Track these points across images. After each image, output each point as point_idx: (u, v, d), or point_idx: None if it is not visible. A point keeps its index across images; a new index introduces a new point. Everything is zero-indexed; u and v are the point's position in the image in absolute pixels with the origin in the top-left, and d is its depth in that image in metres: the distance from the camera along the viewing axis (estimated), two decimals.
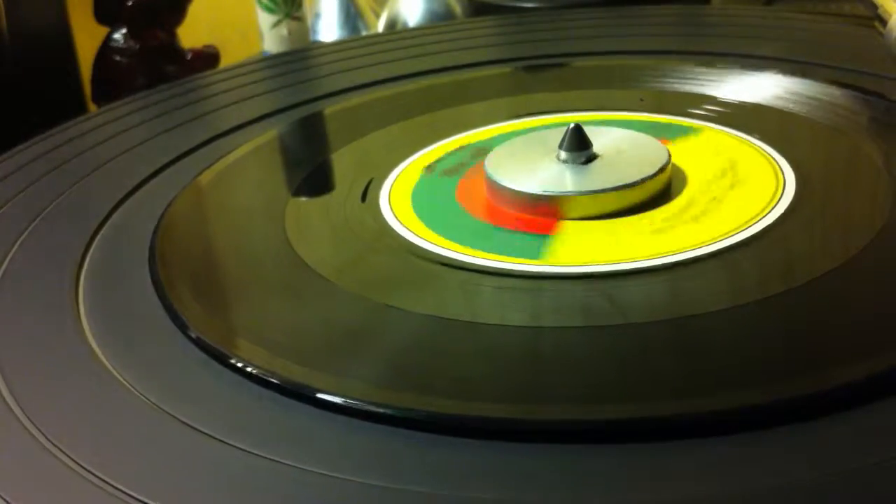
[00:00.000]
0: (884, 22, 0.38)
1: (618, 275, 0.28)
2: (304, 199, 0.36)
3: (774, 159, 0.34)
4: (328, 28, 0.69)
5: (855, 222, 0.31)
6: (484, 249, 0.30)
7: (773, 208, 0.31)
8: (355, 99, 0.45)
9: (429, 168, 0.36)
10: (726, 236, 0.29)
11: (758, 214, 0.30)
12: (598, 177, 0.32)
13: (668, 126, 0.38)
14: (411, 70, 0.48)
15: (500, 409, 0.23)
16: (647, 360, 0.24)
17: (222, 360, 0.25)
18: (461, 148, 0.38)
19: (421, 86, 0.46)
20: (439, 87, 0.46)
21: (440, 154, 0.38)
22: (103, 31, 0.60)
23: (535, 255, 0.29)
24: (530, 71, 0.48)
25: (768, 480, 0.19)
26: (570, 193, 0.32)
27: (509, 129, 0.40)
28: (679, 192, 0.33)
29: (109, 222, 0.34)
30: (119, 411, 0.23)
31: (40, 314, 0.28)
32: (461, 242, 0.30)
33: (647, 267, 0.28)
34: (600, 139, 0.34)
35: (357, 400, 0.22)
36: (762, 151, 0.35)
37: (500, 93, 0.46)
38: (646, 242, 0.29)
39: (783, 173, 0.33)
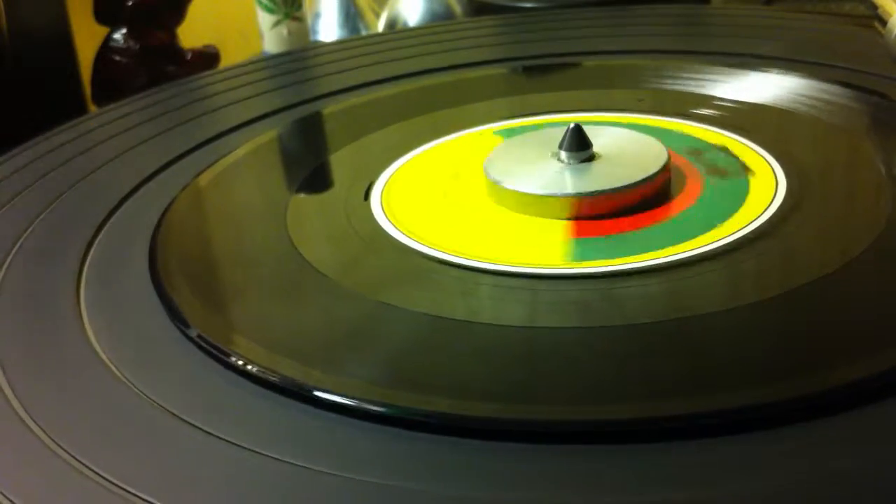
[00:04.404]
0: (883, 22, 0.38)
1: (616, 275, 0.28)
2: (305, 198, 0.36)
3: (774, 159, 0.34)
4: (328, 28, 0.69)
5: (855, 223, 0.31)
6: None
7: (773, 209, 0.31)
8: (355, 99, 0.45)
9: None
10: (726, 237, 0.29)
11: (757, 215, 0.30)
12: (599, 177, 0.32)
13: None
14: (411, 70, 0.48)
15: (499, 408, 0.23)
16: (646, 360, 0.24)
17: (222, 358, 0.25)
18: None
19: (421, 86, 0.46)
20: (439, 87, 0.46)
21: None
22: (103, 31, 0.60)
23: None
24: (530, 71, 0.48)
25: (769, 480, 0.19)
26: (569, 194, 0.32)
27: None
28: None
29: (110, 222, 0.34)
30: (120, 410, 0.23)
31: (41, 313, 0.28)
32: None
33: (646, 267, 0.28)
34: (600, 139, 0.34)
35: (356, 399, 0.23)
36: (760, 153, 0.35)
37: (500, 93, 0.46)
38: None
39: (783, 173, 0.33)
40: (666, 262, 0.28)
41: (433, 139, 0.39)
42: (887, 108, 0.37)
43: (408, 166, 0.37)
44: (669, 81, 0.43)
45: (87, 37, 0.60)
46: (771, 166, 0.34)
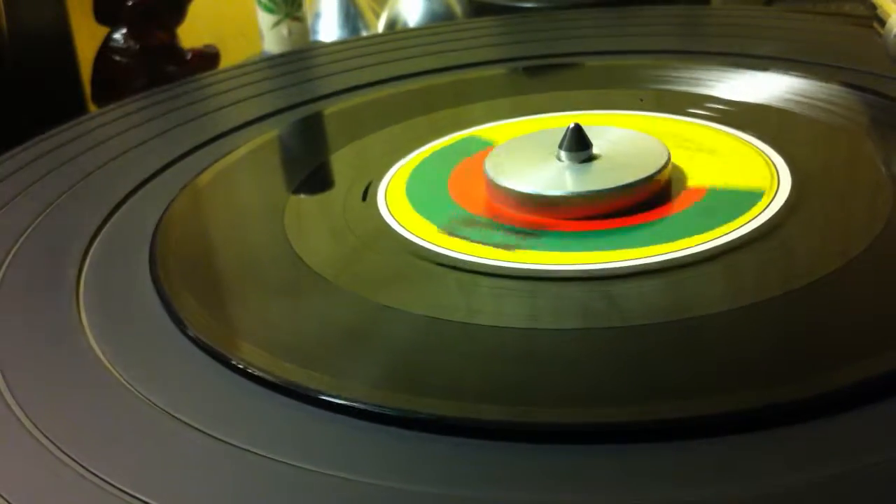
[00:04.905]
0: (882, 22, 0.38)
1: (616, 275, 0.28)
2: (304, 199, 0.36)
3: (774, 159, 0.34)
4: (328, 28, 0.69)
5: (855, 223, 0.31)
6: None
7: (772, 209, 0.31)
8: (355, 99, 0.45)
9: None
10: (725, 236, 0.29)
11: (757, 215, 0.30)
12: (598, 176, 0.32)
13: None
14: (411, 70, 0.48)
15: (499, 409, 0.23)
16: (646, 361, 0.24)
17: (222, 359, 0.25)
18: None
19: (421, 86, 0.46)
20: (439, 87, 0.46)
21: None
22: (103, 31, 0.60)
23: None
24: (530, 71, 0.48)
25: (768, 481, 0.19)
26: (569, 193, 0.32)
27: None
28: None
29: (110, 222, 0.34)
30: (119, 411, 0.23)
31: (41, 314, 0.28)
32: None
33: (646, 267, 0.28)
34: (600, 139, 0.34)
35: (356, 400, 0.22)
36: (761, 152, 0.35)
37: (500, 93, 0.46)
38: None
39: (782, 173, 0.33)
40: (666, 263, 0.28)
41: (433, 139, 0.39)
42: (887, 108, 0.37)
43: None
44: (669, 81, 0.43)
45: (87, 37, 0.60)
46: (770, 166, 0.34)
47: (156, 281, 0.29)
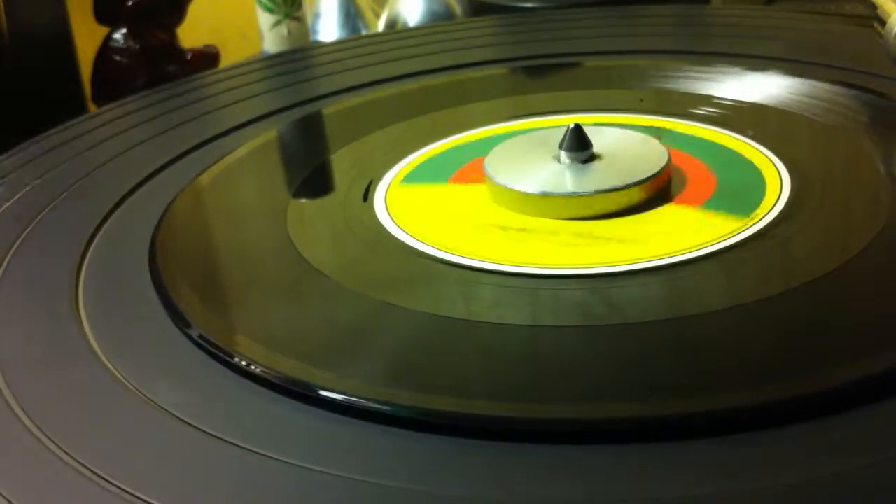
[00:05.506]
0: (882, 22, 0.38)
1: (617, 275, 0.28)
2: (304, 198, 0.36)
3: (773, 159, 0.34)
4: (328, 28, 0.69)
5: (855, 223, 0.31)
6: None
7: (772, 209, 0.31)
8: (355, 99, 0.45)
9: None
10: (726, 237, 0.29)
11: (761, 216, 0.30)
12: (599, 176, 0.32)
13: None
14: (411, 70, 0.48)
15: (500, 408, 0.23)
16: (646, 360, 0.24)
17: (223, 359, 0.25)
18: None
19: (421, 86, 0.46)
20: (439, 87, 0.46)
21: None
22: (103, 31, 0.60)
23: None
24: (530, 71, 0.48)
25: (768, 480, 0.19)
26: (569, 193, 0.32)
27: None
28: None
29: (109, 222, 0.34)
30: (120, 411, 0.23)
31: (41, 314, 0.28)
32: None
33: (647, 267, 0.28)
34: (600, 139, 0.34)
35: (358, 398, 0.23)
36: (762, 152, 0.35)
37: (500, 93, 0.46)
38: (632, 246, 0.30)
39: (782, 174, 0.33)
40: (666, 262, 0.28)
41: (433, 139, 0.39)
42: (887, 108, 0.37)
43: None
44: (669, 81, 0.43)
45: (87, 37, 0.60)
46: (771, 166, 0.34)
47: (156, 280, 0.29)
